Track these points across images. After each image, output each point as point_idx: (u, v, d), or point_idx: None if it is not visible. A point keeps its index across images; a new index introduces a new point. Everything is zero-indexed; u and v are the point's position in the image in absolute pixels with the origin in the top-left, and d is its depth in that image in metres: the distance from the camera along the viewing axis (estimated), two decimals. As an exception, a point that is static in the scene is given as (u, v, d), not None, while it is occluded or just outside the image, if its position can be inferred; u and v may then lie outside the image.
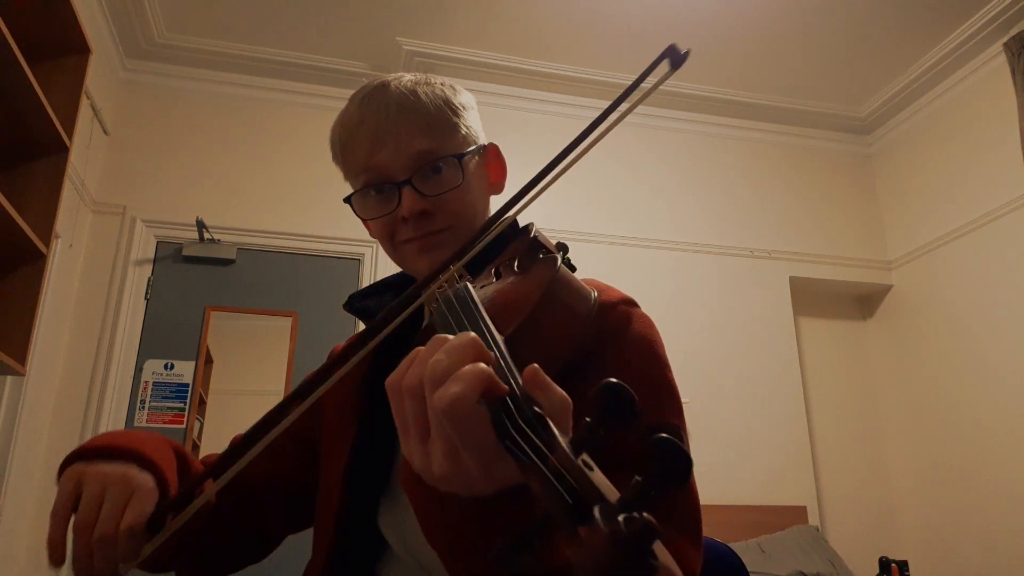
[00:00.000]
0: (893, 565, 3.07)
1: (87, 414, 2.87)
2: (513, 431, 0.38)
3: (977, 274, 3.28)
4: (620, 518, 0.29)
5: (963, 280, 3.35)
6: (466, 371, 0.40)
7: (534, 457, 0.35)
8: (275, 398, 3.09)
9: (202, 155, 3.34)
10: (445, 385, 0.40)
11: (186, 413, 2.99)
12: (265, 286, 3.24)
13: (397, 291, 0.89)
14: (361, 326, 3.19)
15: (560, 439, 0.35)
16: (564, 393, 0.41)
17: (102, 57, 2.96)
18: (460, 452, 0.40)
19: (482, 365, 0.40)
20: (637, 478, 0.31)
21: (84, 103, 2.28)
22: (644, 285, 3.13)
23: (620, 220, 3.52)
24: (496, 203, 0.86)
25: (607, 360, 0.66)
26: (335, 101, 3.55)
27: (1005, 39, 3.11)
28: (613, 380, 0.34)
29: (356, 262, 3.36)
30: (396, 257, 0.83)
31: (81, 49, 2.24)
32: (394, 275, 0.91)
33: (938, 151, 3.58)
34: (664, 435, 0.31)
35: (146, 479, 0.65)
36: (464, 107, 0.83)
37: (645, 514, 0.29)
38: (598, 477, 0.33)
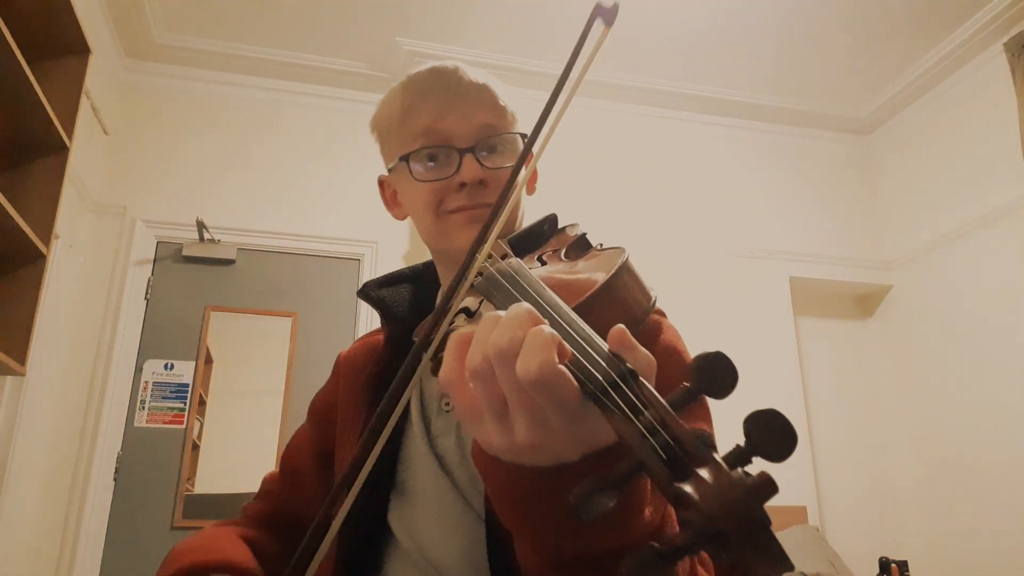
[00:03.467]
0: (893, 565, 3.07)
1: (87, 414, 2.87)
2: (608, 386, 0.39)
3: (977, 274, 3.27)
4: (739, 469, 0.32)
5: (963, 280, 3.34)
6: (536, 339, 0.40)
7: (628, 412, 0.37)
8: (275, 398, 3.09)
9: (202, 155, 3.34)
10: (524, 357, 0.40)
11: (186, 413, 2.99)
12: (265, 286, 3.24)
13: (414, 283, 0.89)
14: (361, 325, 3.20)
15: (657, 396, 0.37)
16: (649, 353, 0.42)
17: (102, 57, 2.96)
18: (547, 417, 0.41)
19: (545, 328, 0.41)
20: (739, 444, 0.33)
21: (84, 103, 2.28)
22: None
23: (619, 220, 3.52)
24: (528, 203, 0.88)
25: None
26: (335, 101, 3.58)
27: (1005, 39, 3.11)
28: (718, 351, 0.36)
29: (356, 262, 3.36)
30: (437, 229, 0.80)
31: (81, 49, 2.24)
32: (408, 268, 0.91)
33: (938, 151, 3.57)
34: (773, 409, 0.33)
35: None
36: (518, 107, 0.86)
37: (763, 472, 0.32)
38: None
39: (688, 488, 0.32)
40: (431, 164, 0.79)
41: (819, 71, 3.58)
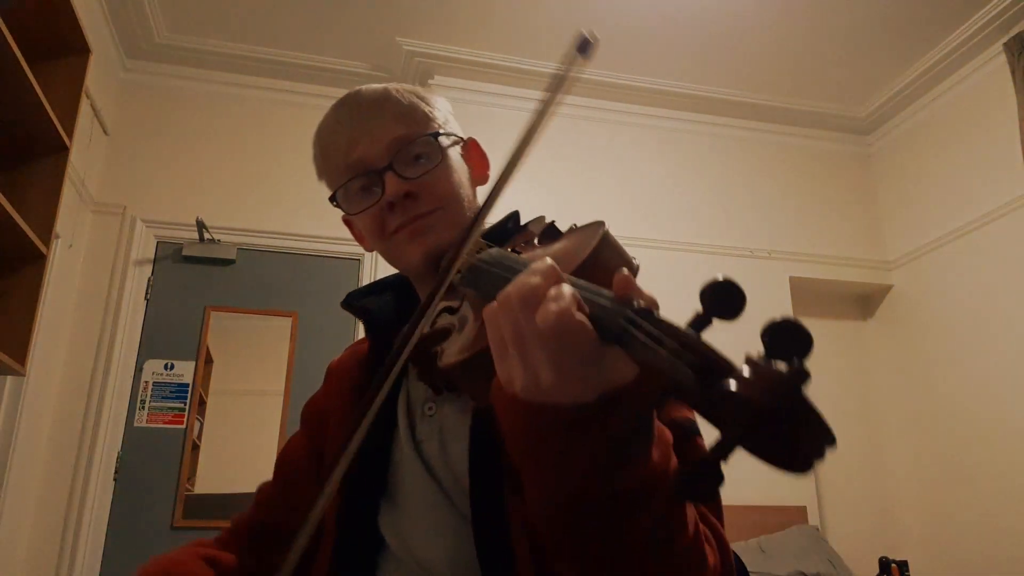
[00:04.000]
0: (893, 565, 3.07)
1: (87, 414, 2.87)
2: (628, 325, 0.41)
3: (977, 274, 3.27)
4: (774, 363, 0.34)
5: (963, 280, 3.34)
6: (559, 291, 0.44)
7: (652, 343, 0.39)
8: (275, 398, 3.09)
9: (202, 155, 3.34)
10: (545, 305, 0.44)
11: (186, 413, 2.99)
12: (265, 286, 3.24)
13: (397, 291, 0.89)
14: (361, 326, 3.20)
15: (672, 324, 0.39)
16: (651, 293, 0.45)
17: (102, 57, 2.96)
18: (564, 361, 0.44)
19: (567, 286, 0.45)
20: (760, 350, 0.35)
21: (84, 103, 2.28)
22: (643, 285, 3.12)
23: (619, 220, 3.52)
24: (483, 194, 0.87)
25: None
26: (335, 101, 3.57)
27: (1005, 39, 3.11)
28: (724, 277, 0.39)
29: (356, 262, 3.36)
30: (389, 253, 0.82)
31: (81, 49, 2.24)
32: (392, 275, 0.91)
33: (938, 151, 3.57)
34: (785, 317, 0.35)
35: None
36: (436, 102, 0.84)
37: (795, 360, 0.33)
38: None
39: (728, 386, 0.34)
40: (360, 194, 0.79)
41: (819, 71, 3.58)
